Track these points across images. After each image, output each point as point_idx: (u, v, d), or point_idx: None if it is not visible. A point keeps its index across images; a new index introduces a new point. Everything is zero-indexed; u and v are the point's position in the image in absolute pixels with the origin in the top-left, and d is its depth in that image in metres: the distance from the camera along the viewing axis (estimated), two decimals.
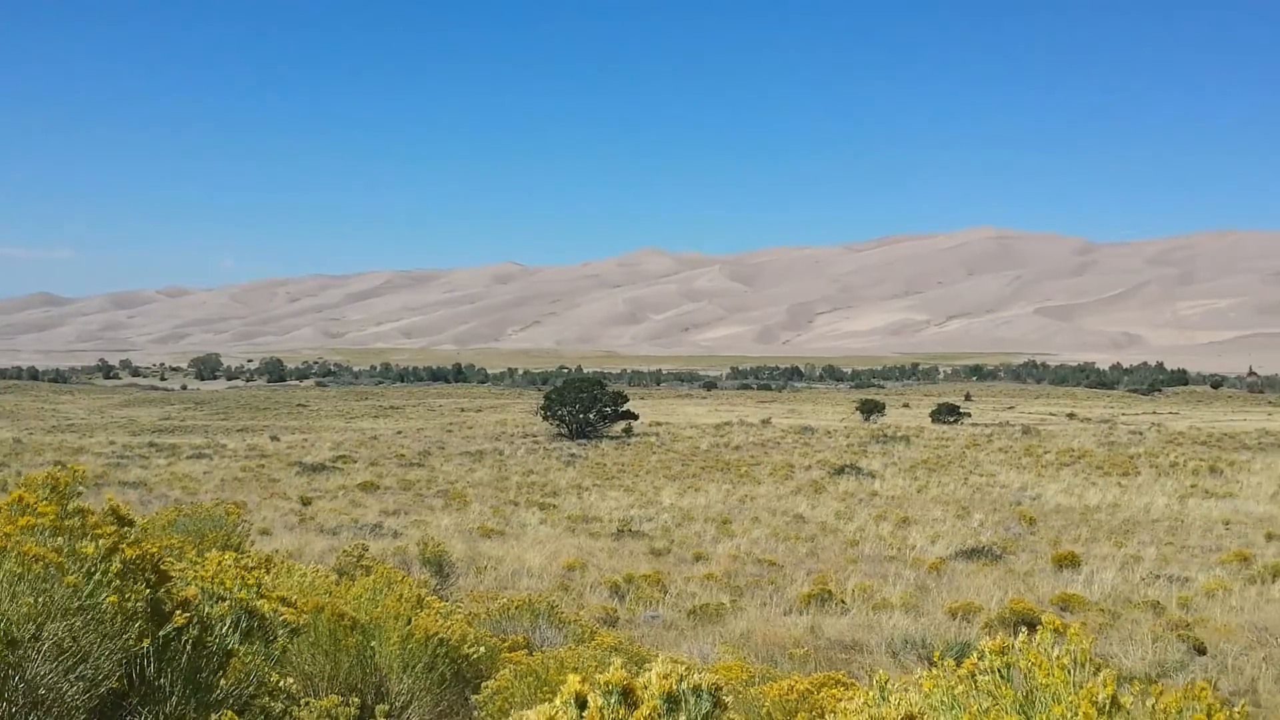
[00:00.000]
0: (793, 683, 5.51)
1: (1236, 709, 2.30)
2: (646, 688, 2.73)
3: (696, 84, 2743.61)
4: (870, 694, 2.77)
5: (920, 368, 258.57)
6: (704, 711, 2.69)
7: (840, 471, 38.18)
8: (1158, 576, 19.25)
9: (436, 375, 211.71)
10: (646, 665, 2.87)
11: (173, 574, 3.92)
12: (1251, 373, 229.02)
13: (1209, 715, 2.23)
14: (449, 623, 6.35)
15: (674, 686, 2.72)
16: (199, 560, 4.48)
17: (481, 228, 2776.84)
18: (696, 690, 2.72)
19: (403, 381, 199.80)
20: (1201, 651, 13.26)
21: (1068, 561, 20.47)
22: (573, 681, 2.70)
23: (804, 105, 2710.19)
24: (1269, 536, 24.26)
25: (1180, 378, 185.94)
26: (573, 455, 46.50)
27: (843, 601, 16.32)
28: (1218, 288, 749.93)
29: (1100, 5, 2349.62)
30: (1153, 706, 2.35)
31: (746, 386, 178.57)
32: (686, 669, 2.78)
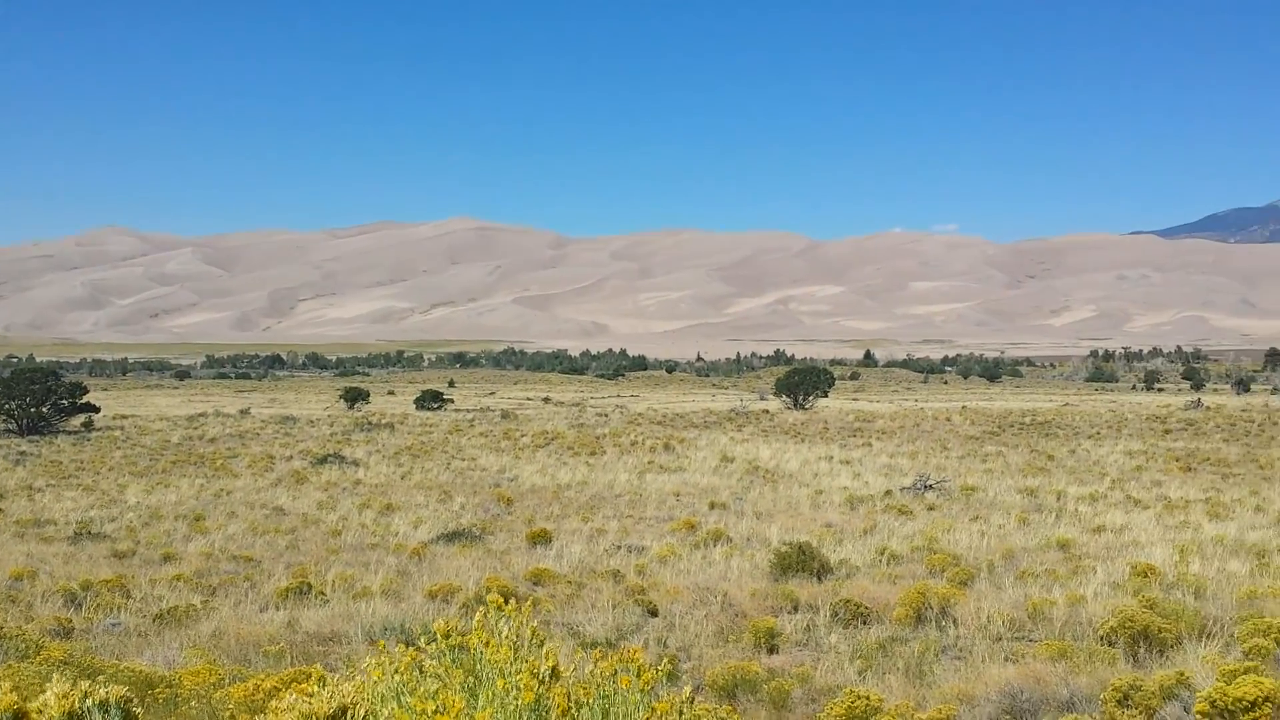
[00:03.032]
0: (259, 681, 5.35)
1: (664, 666, 2.56)
2: (43, 710, 2.50)
3: (169, 57, 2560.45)
4: (308, 688, 2.73)
5: (405, 355, 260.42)
6: None
7: (323, 461, 37.51)
8: (619, 547, 20.88)
9: None
10: (48, 685, 2.63)
11: None
12: (699, 358, 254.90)
13: (638, 675, 2.46)
14: None
15: (76, 704, 2.51)
16: None
17: None
18: (103, 706, 2.53)
19: None
20: (654, 613, 14.57)
21: (541, 538, 21.63)
22: None
23: (281, 86, 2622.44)
24: (711, 505, 27.17)
25: (641, 363, 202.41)
26: (23, 453, 41.72)
27: (323, 593, 16.08)
28: (670, 281, 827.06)
29: (536, 14, 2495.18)
30: (590, 670, 2.55)
31: (224, 376, 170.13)
32: (90, 684, 2.58)
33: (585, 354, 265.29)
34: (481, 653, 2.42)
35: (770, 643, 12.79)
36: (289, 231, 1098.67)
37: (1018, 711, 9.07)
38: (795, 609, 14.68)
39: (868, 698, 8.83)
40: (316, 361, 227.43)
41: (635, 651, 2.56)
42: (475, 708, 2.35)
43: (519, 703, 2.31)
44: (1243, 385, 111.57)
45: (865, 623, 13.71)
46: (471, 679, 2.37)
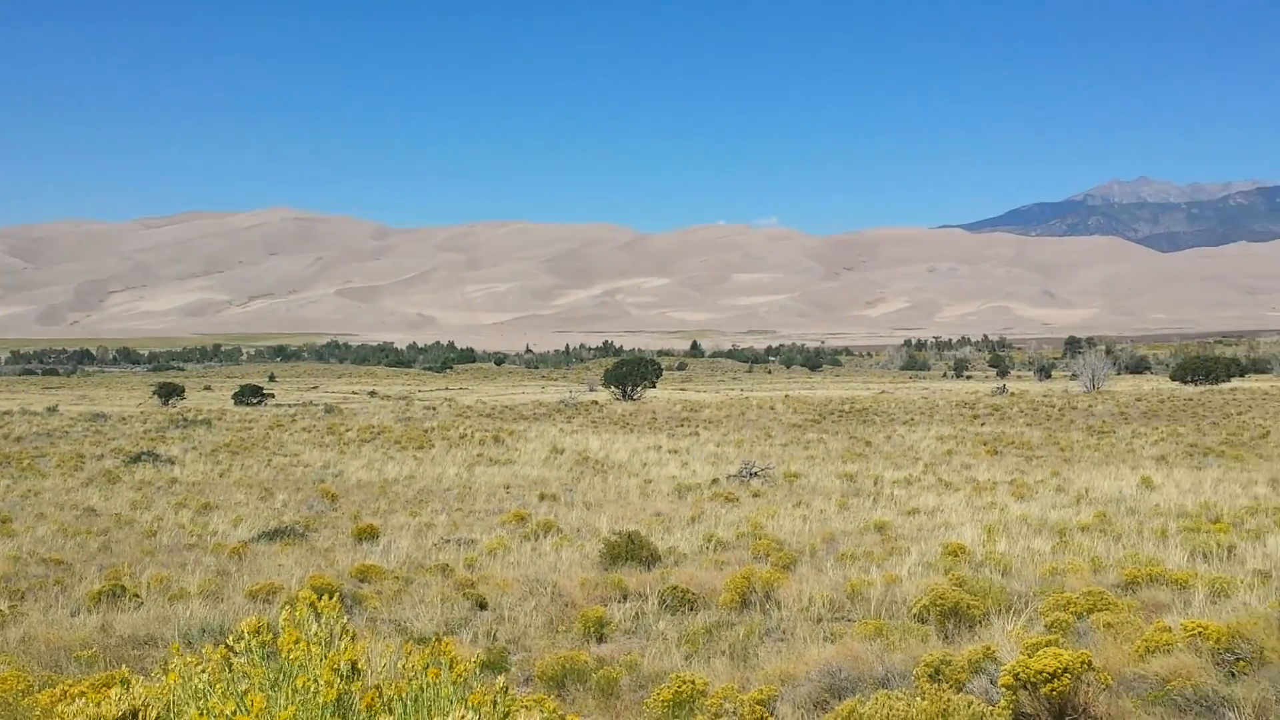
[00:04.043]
0: (68, 687, 5.16)
1: (478, 657, 2.55)
2: None
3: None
4: (109, 692, 2.64)
5: (223, 349, 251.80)
6: None
7: (137, 459, 35.92)
8: (448, 541, 20.65)
9: None
10: None
11: None
12: (528, 350, 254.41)
13: (450, 666, 2.46)
14: None
15: None
16: None
17: None
18: None
19: None
20: (484, 606, 14.49)
21: (367, 534, 21.21)
22: None
23: (89, 71, 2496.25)
24: (541, 497, 27.13)
25: (469, 355, 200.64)
26: None
27: (137, 595, 15.42)
28: (498, 273, 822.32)
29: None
30: (401, 666, 2.54)
31: (30, 372, 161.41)
32: None
33: (412, 347, 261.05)
34: (288, 649, 2.38)
35: (600, 632, 12.88)
36: (98, 222, 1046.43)
37: (836, 689, 9.39)
38: (625, 598, 14.81)
39: (693, 682, 9.00)
40: (128, 357, 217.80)
41: (448, 644, 2.55)
42: (278, 706, 2.31)
43: (323, 699, 2.28)
44: (1044, 372, 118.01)
45: (693, 609, 13.93)
46: (276, 677, 2.33)
